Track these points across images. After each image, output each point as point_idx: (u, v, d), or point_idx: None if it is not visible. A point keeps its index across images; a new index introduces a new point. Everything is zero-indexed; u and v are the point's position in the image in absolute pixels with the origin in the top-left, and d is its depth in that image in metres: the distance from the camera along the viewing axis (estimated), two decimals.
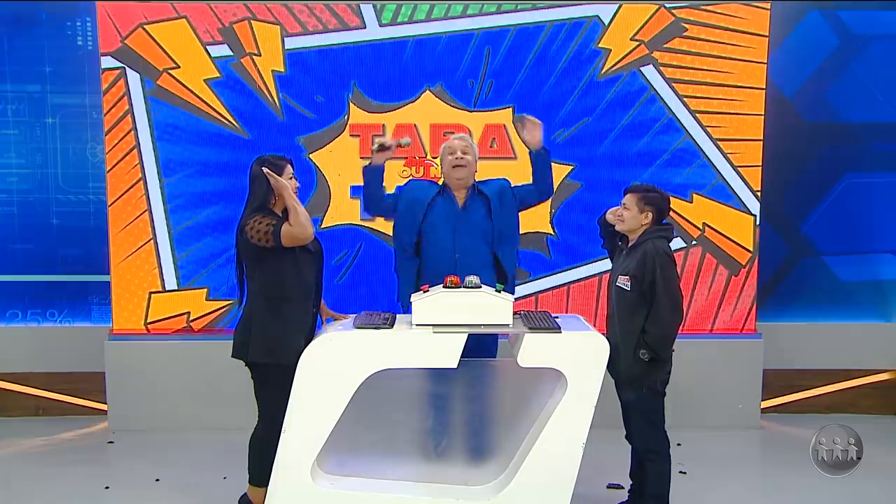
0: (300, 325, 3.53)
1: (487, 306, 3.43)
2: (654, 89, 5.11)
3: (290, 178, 3.59)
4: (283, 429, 3.41)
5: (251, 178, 3.60)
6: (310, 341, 3.49)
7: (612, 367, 3.48)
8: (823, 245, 5.52)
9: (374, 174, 4.02)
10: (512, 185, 4.10)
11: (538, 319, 3.54)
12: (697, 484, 4.18)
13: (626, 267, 3.46)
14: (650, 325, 3.37)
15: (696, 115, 5.12)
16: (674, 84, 5.10)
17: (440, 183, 4.12)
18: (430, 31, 5.09)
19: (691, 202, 5.17)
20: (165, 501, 4.02)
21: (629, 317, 3.42)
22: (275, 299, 3.48)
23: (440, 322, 3.43)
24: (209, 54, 5.04)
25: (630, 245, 3.54)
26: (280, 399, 3.47)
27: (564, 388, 3.39)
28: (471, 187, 4.02)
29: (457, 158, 3.96)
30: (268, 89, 5.08)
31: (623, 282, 3.44)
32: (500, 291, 3.49)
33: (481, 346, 3.76)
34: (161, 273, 5.14)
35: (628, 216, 3.52)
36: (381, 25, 5.07)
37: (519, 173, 5.07)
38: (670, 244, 3.51)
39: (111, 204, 5.08)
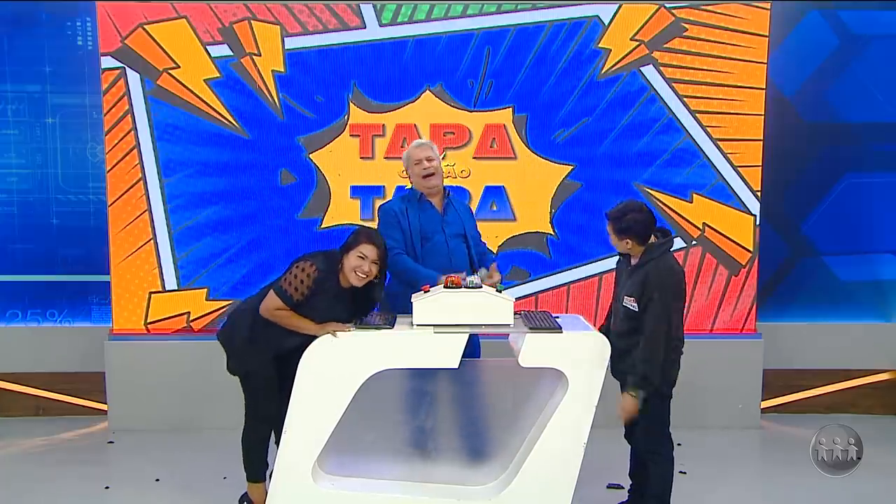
0: (262, 347, 3.54)
1: (488, 306, 3.43)
2: (654, 89, 5.11)
3: (361, 258, 3.42)
4: (283, 429, 3.42)
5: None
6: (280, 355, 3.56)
7: (615, 370, 3.49)
8: (823, 245, 5.52)
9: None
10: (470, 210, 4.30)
11: (539, 319, 3.54)
12: (697, 484, 4.18)
13: (632, 288, 3.39)
14: (641, 352, 3.32)
15: (696, 115, 5.12)
16: (674, 84, 5.11)
17: (409, 189, 4.10)
18: (430, 31, 5.08)
19: (691, 202, 5.18)
20: (165, 501, 4.02)
21: (635, 335, 3.39)
22: (262, 316, 3.50)
23: (441, 322, 3.43)
24: (209, 54, 5.04)
25: (633, 265, 3.46)
26: (251, 398, 3.60)
27: (565, 388, 3.39)
28: (445, 192, 4.07)
29: (424, 168, 3.94)
30: (268, 89, 5.07)
31: (629, 302, 3.38)
32: (500, 291, 3.49)
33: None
34: (161, 273, 5.13)
35: (611, 241, 3.50)
36: (381, 25, 5.07)
37: (519, 173, 5.11)
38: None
39: (111, 204, 5.08)
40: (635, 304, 3.36)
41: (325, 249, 3.57)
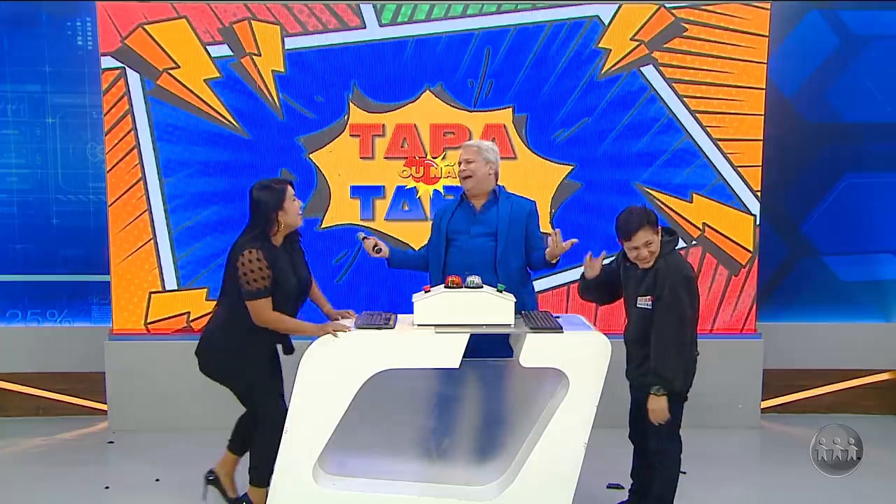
0: (255, 355, 3.57)
1: (489, 306, 3.43)
2: (654, 89, 5.11)
3: (294, 200, 3.57)
4: (284, 429, 3.41)
5: (252, 203, 3.56)
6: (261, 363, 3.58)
7: (629, 374, 3.51)
8: (823, 245, 5.52)
9: (401, 262, 4.15)
10: (533, 217, 4.03)
11: (540, 319, 3.54)
12: (697, 484, 4.18)
13: (646, 287, 3.38)
14: (653, 347, 3.32)
15: (696, 115, 5.12)
16: (674, 84, 5.11)
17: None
18: (430, 31, 5.08)
19: (691, 202, 5.17)
20: (165, 501, 4.02)
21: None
22: (239, 327, 3.50)
23: (442, 322, 3.43)
24: (209, 54, 5.03)
25: (645, 267, 3.43)
26: (261, 405, 3.57)
27: (566, 388, 3.39)
28: (492, 193, 3.98)
29: (461, 171, 3.96)
30: (268, 89, 5.07)
31: (645, 302, 3.37)
32: (501, 291, 3.48)
33: (497, 345, 3.71)
34: (161, 273, 5.13)
35: (655, 247, 3.38)
36: (381, 25, 5.07)
37: (519, 173, 5.10)
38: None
39: (111, 204, 5.08)
40: (650, 303, 3.35)
41: (242, 235, 3.55)
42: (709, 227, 5.19)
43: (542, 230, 4.11)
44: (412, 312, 3.49)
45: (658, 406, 3.35)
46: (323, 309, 3.85)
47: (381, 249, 3.99)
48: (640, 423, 3.55)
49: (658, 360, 3.32)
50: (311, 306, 3.82)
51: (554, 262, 3.86)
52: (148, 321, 5.15)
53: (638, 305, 3.41)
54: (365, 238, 3.99)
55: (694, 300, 3.39)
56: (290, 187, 3.59)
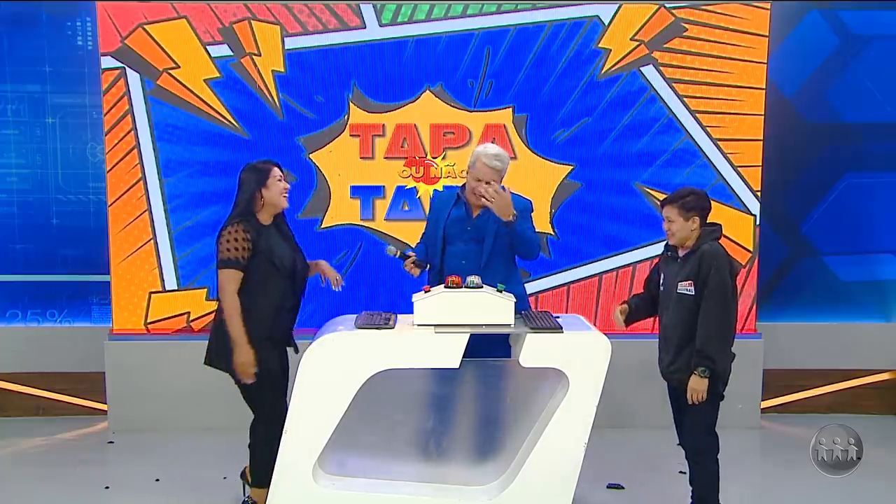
0: (280, 337, 3.59)
1: (489, 306, 3.43)
2: (654, 89, 5.11)
3: (279, 181, 3.60)
4: (284, 429, 3.41)
5: (238, 184, 3.64)
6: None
7: (665, 370, 3.51)
8: (823, 245, 5.52)
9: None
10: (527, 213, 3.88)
11: (540, 319, 3.54)
12: None
13: (687, 272, 3.38)
14: (699, 328, 3.32)
15: (696, 115, 5.12)
16: (674, 84, 5.10)
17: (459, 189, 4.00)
18: (430, 31, 5.08)
19: None
20: (165, 501, 4.02)
21: (693, 323, 3.36)
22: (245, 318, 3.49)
23: (442, 322, 3.43)
24: (209, 54, 5.03)
25: (685, 254, 3.45)
26: (269, 399, 3.56)
27: (566, 388, 3.39)
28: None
29: (479, 195, 3.72)
30: (268, 89, 5.07)
31: (685, 287, 3.37)
32: (501, 291, 3.48)
33: (496, 345, 3.68)
34: (161, 273, 5.13)
35: (676, 228, 3.41)
36: (381, 25, 5.07)
37: (518, 174, 5.09)
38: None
39: (111, 204, 5.08)
40: (691, 288, 3.35)
41: (229, 217, 3.57)
42: None
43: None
44: (412, 312, 3.49)
45: (700, 387, 3.34)
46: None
47: (417, 263, 3.92)
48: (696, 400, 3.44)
49: (703, 339, 3.32)
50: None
51: (508, 219, 3.62)
52: (148, 321, 5.15)
53: (678, 291, 3.40)
54: (403, 256, 3.92)
55: (734, 285, 3.40)
56: (276, 168, 3.63)
